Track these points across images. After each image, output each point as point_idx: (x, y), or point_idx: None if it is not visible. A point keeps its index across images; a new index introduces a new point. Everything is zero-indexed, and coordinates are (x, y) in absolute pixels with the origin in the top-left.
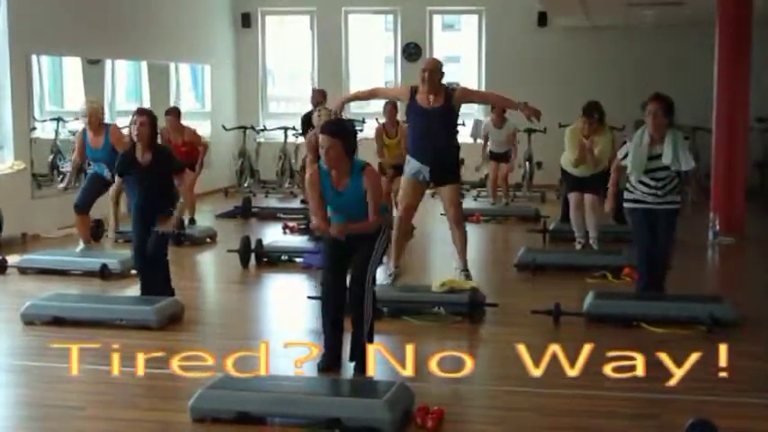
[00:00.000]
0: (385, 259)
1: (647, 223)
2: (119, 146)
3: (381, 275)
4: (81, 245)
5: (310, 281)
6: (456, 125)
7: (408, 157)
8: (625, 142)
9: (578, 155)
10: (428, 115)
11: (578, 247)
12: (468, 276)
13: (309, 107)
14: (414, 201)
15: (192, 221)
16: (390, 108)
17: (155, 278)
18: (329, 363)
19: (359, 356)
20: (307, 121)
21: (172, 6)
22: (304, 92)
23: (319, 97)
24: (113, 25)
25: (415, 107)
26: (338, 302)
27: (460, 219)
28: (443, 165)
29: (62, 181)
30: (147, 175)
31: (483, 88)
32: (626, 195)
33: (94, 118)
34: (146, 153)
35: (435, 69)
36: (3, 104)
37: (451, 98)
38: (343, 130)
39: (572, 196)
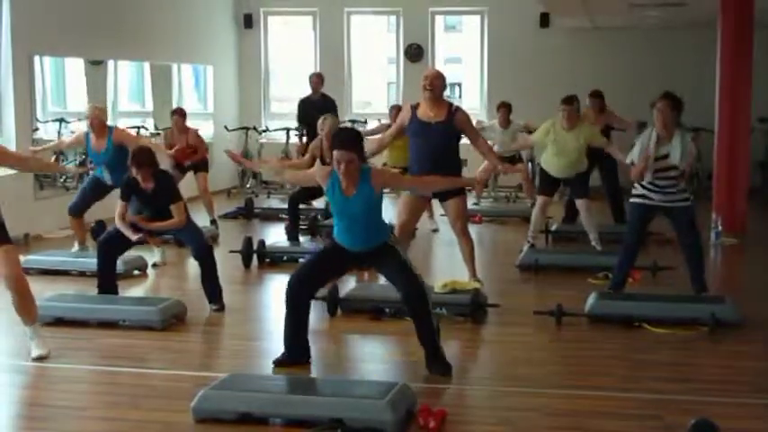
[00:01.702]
0: None
1: (642, 221)
2: (129, 144)
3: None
4: (76, 246)
5: None
6: (458, 140)
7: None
8: (633, 145)
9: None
10: (429, 130)
11: (526, 246)
12: (478, 282)
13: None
14: (411, 221)
15: (214, 222)
16: (396, 112)
17: (209, 269)
18: (286, 362)
19: (439, 364)
20: (303, 106)
21: (174, 7)
22: (306, 93)
23: (317, 81)
24: (116, 26)
25: (416, 122)
26: (302, 308)
27: (467, 231)
28: None
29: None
30: (152, 200)
31: (485, 89)
32: (633, 191)
33: (97, 120)
34: (148, 183)
35: (437, 76)
36: (5, 105)
37: (453, 116)
38: (356, 141)
39: (540, 199)
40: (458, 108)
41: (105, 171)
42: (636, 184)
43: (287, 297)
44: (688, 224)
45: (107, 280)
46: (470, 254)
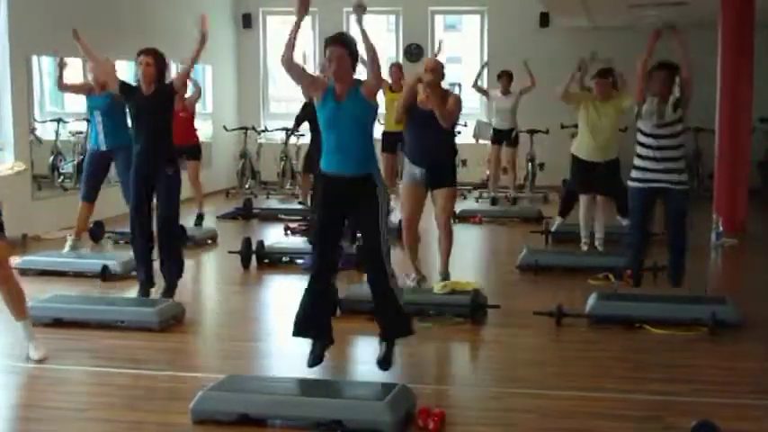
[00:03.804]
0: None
1: (644, 205)
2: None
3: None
4: (69, 242)
5: None
6: (453, 131)
7: (406, 161)
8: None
9: None
10: (425, 116)
11: (584, 248)
12: (445, 278)
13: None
14: (415, 210)
15: (201, 218)
16: (396, 69)
17: (169, 243)
18: (321, 352)
19: (395, 332)
20: (304, 112)
21: (172, 7)
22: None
23: None
24: (113, 26)
25: (414, 107)
26: (328, 288)
27: (449, 226)
28: (439, 166)
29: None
30: (147, 104)
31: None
32: (631, 174)
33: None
34: (149, 87)
35: (436, 70)
36: (3, 105)
37: (446, 101)
38: (350, 39)
39: (583, 198)
40: (451, 94)
41: (99, 129)
42: (636, 159)
43: (312, 286)
44: (680, 215)
45: (147, 270)
46: (447, 248)
